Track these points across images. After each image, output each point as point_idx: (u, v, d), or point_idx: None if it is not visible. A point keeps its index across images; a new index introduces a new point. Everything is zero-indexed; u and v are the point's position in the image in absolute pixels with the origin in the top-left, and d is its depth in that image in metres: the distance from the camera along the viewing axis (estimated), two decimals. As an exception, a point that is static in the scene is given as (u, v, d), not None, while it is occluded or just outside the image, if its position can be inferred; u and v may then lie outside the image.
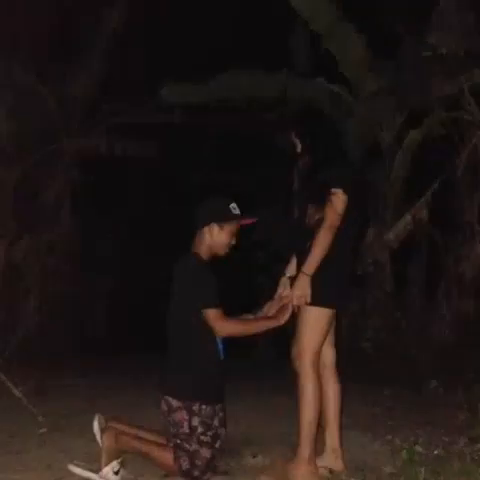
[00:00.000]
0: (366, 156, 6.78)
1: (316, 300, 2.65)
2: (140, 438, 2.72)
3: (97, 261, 8.80)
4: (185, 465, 2.63)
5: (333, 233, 2.63)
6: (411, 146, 6.69)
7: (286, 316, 2.69)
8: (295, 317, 2.73)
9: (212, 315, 2.63)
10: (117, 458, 2.62)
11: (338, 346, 2.90)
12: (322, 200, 2.65)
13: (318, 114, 3.10)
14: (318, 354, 2.72)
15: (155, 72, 7.58)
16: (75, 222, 8.06)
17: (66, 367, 5.97)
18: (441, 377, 4.97)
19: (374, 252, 6.75)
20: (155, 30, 8.14)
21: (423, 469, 2.62)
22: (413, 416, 3.99)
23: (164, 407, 2.68)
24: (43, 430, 3.43)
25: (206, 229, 2.76)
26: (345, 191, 2.65)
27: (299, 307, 2.69)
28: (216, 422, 2.69)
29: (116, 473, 2.60)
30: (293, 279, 2.74)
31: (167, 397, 2.66)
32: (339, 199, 2.63)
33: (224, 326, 2.65)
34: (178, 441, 2.64)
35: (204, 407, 2.64)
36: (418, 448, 3.01)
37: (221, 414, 2.72)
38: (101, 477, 2.59)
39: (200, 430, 2.64)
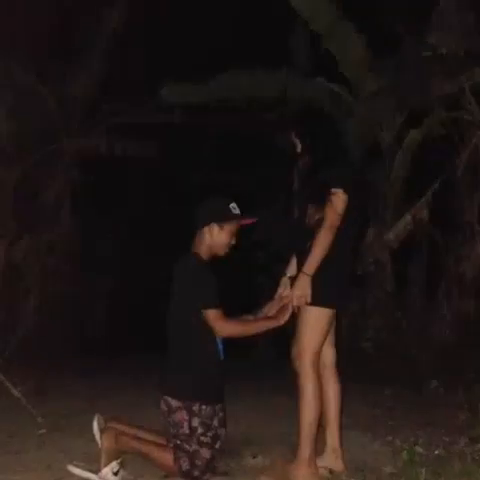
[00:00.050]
0: (366, 156, 6.77)
1: (316, 300, 2.65)
2: (140, 438, 2.72)
3: (97, 261, 8.80)
4: (185, 466, 2.63)
5: (333, 233, 2.62)
6: (411, 146, 6.69)
7: (286, 316, 2.69)
8: (295, 317, 2.73)
9: (212, 315, 2.63)
10: (117, 459, 2.61)
11: (338, 346, 2.89)
12: (322, 200, 2.65)
13: (318, 114, 3.10)
14: (318, 354, 2.72)
15: (155, 72, 7.58)
16: (75, 222, 8.07)
17: (66, 367, 5.97)
18: (442, 377, 4.97)
19: (374, 252, 6.75)
20: (155, 30, 8.14)
21: (424, 470, 2.62)
22: (413, 416, 3.98)
23: (164, 407, 2.67)
24: (43, 431, 3.42)
25: (206, 229, 2.76)
26: (345, 191, 2.64)
27: (299, 307, 2.69)
28: (216, 422, 2.68)
29: (116, 474, 2.60)
30: (293, 279, 2.74)
31: (167, 397, 2.66)
32: (339, 199, 2.63)
33: (224, 326, 2.64)
34: (178, 441, 2.63)
35: (204, 407, 2.64)
36: (418, 448, 3.00)
37: (221, 414, 2.72)
38: (100, 477, 2.59)
39: (200, 430, 2.63)
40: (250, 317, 2.83)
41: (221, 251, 2.79)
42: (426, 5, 6.11)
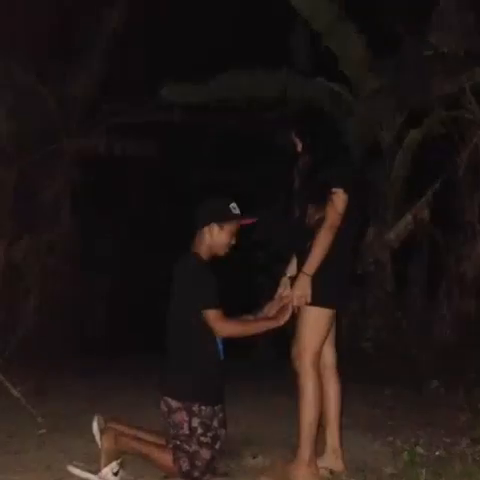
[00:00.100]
0: (366, 156, 6.77)
1: (316, 300, 2.64)
2: (139, 439, 2.71)
3: (97, 261, 8.80)
4: (185, 466, 2.62)
5: (334, 233, 2.61)
6: (411, 146, 6.68)
7: (286, 316, 2.68)
8: (295, 317, 2.72)
9: (212, 316, 2.62)
10: (116, 459, 2.61)
11: (338, 346, 2.89)
12: (322, 200, 2.64)
13: (318, 113, 3.08)
14: (318, 354, 2.71)
15: (155, 72, 7.58)
16: (75, 222, 8.07)
17: (66, 367, 5.96)
18: (442, 377, 4.96)
19: (375, 252, 6.75)
20: (155, 30, 8.13)
21: (424, 470, 2.61)
22: (414, 417, 3.97)
23: (164, 408, 2.67)
24: (42, 431, 3.41)
25: (206, 229, 2.75)
26: (346, 191, 2.63)
27: (299, 307, 2.68)
28: (216, 423, 2.68)
29: (115, 474, 2.59)
30: (293, 279, 2.73)
31: (167, 398, 2.65)
32: (340, 199, 2.62)
33: (224, 327, 2.64)
34: (178, 442, 2.63)
35: (204, 408, 2.63)
36: (419, 449, 2.99)
37: (221, 415, 2.71)
38: (100, 478, 2.58)
39: (200, 431, 2.62)
40: (250, 317, 2.82)
41: (221, 251, 2.78)
42: (426, 5, 6.10)
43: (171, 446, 2.65)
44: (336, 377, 2.83)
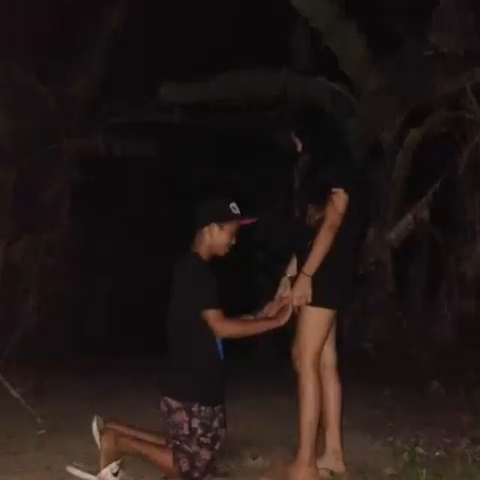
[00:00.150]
0: (367, 155, 6.76)
1: (317, 300, 2.63)
2: (139, 440, 2.71)
3: (96, 261, 8.79)
4: (185, 467, 2.61)
5: (334, 233, 2.61)
6: (412, 145, 6.68)
7: (286, 317, 2.67)
8: (295, 317, 2.71)
9: (212, 316, 2.61)
10: (116, 460, 2.60)
11: (339, 346, 2.88)
12: (323, 199, 2.63)
13: (319, 113, 3.07)
14: (319, 354, 2.70)
15: (155, 72, 7.57)
16: (74, 222, 8.06)
17: (65, 367, 5.95)
18: (443, 377, 4.95)
19: (375, 252, 6.74)
20: (155, 30, 8.13)
21: (424, 471, 2.61)
22: (414, 417, 3.97)
23: (163, 408, 2.66)
24: (42, 431, 3.40)
25: (206, 229, 2.75)
26: (346, 190, 2.63)
27: (299, 307, 2.67)
28: (216, 423, 2.67)
29: (115, 475, 2.58)
30: (293, 279, 2.72)
31: (166, 398, 2.65)
32: (340, 198, 2.61)
33: (224, 327, 2.63)
34: (178, 442, 2.62)
35: (204, 408, 2.63)
36: (419, 449, 2.99)
37: (221, 415, 2.70)
38: (100, 479, 2.58)
39: (200, 431, 2.62)
40: (250, 317, 2.82)
41: (221, 251, 2.77)
42: (426, 5, 6.10)
43: (171, 446, 2.64)
44: (336, 377, 2.83)
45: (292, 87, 6.81)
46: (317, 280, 2.62)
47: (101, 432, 2.69)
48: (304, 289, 2.62)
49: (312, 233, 2.63)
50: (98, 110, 8.25)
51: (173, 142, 8.52)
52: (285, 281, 2.85)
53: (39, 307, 7.33)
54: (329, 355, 2.82)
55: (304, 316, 2.68)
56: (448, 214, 6.57)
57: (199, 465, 2.61)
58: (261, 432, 3.50)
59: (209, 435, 2.64)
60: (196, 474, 2.62)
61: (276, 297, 2.85)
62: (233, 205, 2.78)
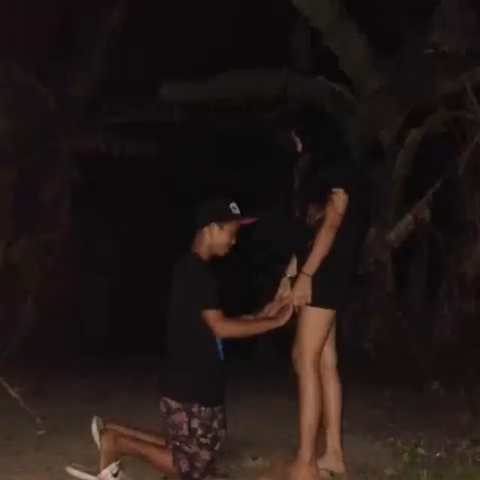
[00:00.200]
0: (367, 155, 6.76)
1: (317, 301, 2.63)
2: (139, 440, 2.70)
3: (97, 261, 8.79)
4: (184, 467, 2.61)
5: (334, 233, 2.60)
6: (412, 145, 6.67)
7: (286, 317, 2.67)
8: (296, 318, 2.71)
9: (212, 316, 2.61)
10: (116, 460, 2.60)
11: (339, 346, 2.87)
12: (323, 199, 2.63)
13: (319, 112, 3.07)
14: (319, 355, 2.70)
15: (155, 72, 7.57)
16: (74, 222, 8.06)
17: (66, 367, 5.95)
18: (443, 378, 4.94)
19: (375, 252, 6.74)
20: (155, 30, 8.12)
21: (425, 471, 2.60)
22: (415, 418, 3.96)
23: (163, 408, 2.66)
24: (42, 432, 3.40)
25: (206, 229, 2.74)
26: (346, 190, 2.62)
27: (300, 308, 2.67)
28: (216, 424, 2.66)
29: (115, 475, 2.58)
30: (293, 280, 2.72)
31: (166, 398, 2.64)
32: (340, 199, 2.61)
33: (224, 327, 2.62)
34: (177, 443, 2.62)
35: (203, 409, 2.62)
36: (420, 450, 2.98)
37: (221, 416, 2.70)
38: (100, 479, 2.57)
39: (200, 432, 2.61)
40: (250, 317, 2.81)
41: (221, 251, 2.77)
42: (427, 4, 6.09)
43: (171, 447, 2.63)
44: (336, 377, 2.82)
45: (292, 87, 6.80)
46: (317, 280, 2.61)
47: (101, 432, 2.68)
48: (304, 289, 2.61)
49: (312, 233, 2.63)
50: (98, 110, 8.25)
51: (173, 142, 8.52)
52: (285, 281, 2.85)
53: (39, 307, 7.33)
54: (329, 355, 2.82)
55: (304, 316, 2.67)
56: (448, 214, 6.56)
57: (199, 466, 2.61)
58: (261, 432, 3.49)
59: (209, 436, 2.63)
60: (196, 475, 2.61)
61: (276, 297, 2.84)
62: (233, 205, 2.77)
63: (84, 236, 8.19)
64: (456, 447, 3.10)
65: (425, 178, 6.71)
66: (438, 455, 2.94)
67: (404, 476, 2.65)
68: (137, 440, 2.69)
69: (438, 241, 6.64)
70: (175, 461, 2.61)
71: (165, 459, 2.63)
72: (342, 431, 2.83)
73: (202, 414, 2.62)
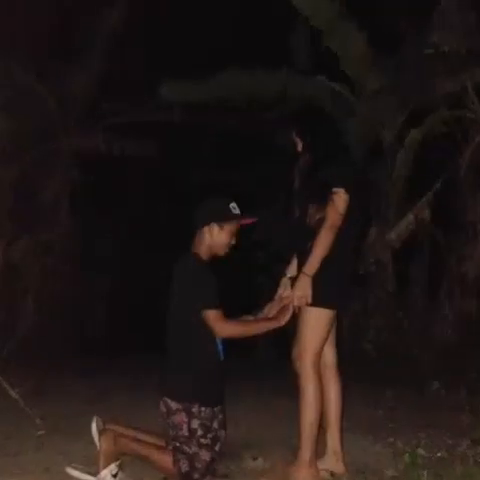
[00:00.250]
0: (368, 155, 6.75)
1: (317, 301, 2.62)
2: (139, 440, 2.69)
3: (96, 261, 8.80)
4: (184, 468, 2.60)
5: (334, 233, 2.59)
6: (413, 145, 6.67)
7: (286, 317, 2.66)
8: (296, 318, 2.70)
9: (212, 316, 2.60)
10: (115, 461, 2.59)
11: (339, 346, 2.87)
12: (323, 199, 2.62)
13: (319, 112, 3.06)
14: (319, 355, 2.69)
15: (155, 72, 7.57)
16: (74, 222, 8.06)
17: (65, 367, 5.95)
18: (443, 378, 4.94)
19: (376, 252, 6.73)
20: (155, 30, 8.12)
21: (425, 472, 2.60)
22: (415, 418, 3.95)
23: (163, 409, 2.65)
24: (41, 432, 3.39)
25: (206, 229, 2.73)
26: (347, 190, 2.62)
27: (300, 308, 2.66)
28: (216, 424, 2.66)
29: (114, 476, 2.57)
30: (294, 280, 2.71)
31: (166, 399, 2.63)
32: (341, 198, 2.60)
33: (224, 327, 2.62)
34: (177, 444, 2.61)
35: (203, 409, 2.61)
36: (420, 451, 2.98)
37: (221, 416, 2.69)
38: (99, 480, 2.56)
39: (200, 433, 2.61)
40: (250, 318, 2.80)
41: (221, 251, 2.76)
42: (427, 4, 6.09)
43: (171, 447, 2.63)
44: (336, 377, 2.82)
45: (292, 87, 6.80)
46: (317, 280, 2.60)
47: (100, 433, 2.67)
48: (304, 289, 2.61)
49: (312, 233, 2.62)
50: (98, 110, 8.25)
51: (173, 142, 8.52)
52: (285, 281, 2.84)
53: (39, 307, 7.33)
54: (330, 355, 2.81)
55: (304, 316, 2.67)
56: (449, 214, 6.56)
57: (199, 466, 2.60)
58: (261, 433, 3.49)
59: (209, 436, 2.62)
60: (196, 475, 2.60)
61: (276, 297, 2.84)
62: (233, 205, 2.76)
63: (84, 236, 8.20)
64: (457, 447, 3.10)
65: (426, 178, 6.71)
66: (439, 455, 2.93)
67: (404, 476, 2.65)
68: (137, 440, 2.68)
69: (439, 241, 6.64)
70: (175, 462, 2.61)
71: (165, 460, 2.63)
72: (342, 431, 2.82)
73: (202, 414, 2.61)
